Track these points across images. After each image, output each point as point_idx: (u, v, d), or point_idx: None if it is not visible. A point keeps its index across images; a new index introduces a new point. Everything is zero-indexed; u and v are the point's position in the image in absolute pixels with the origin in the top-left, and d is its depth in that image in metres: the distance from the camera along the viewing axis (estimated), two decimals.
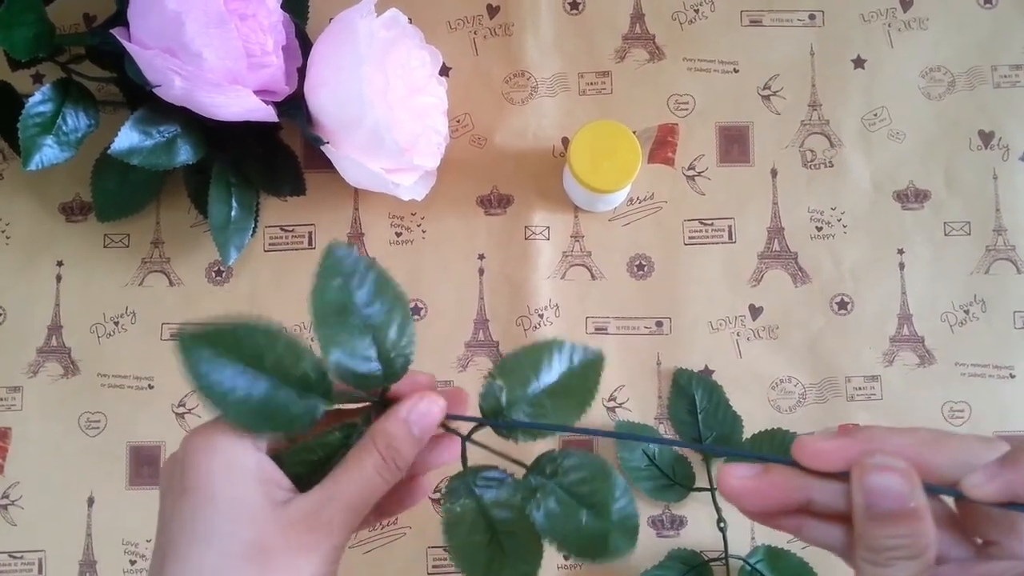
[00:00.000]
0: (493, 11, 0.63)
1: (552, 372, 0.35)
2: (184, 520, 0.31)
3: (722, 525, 0.57)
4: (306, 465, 0.34)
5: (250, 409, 0.32)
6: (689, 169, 0.62)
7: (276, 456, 0.33)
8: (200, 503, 0.31)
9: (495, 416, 0.34)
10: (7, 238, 0.61)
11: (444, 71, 0.62)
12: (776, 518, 0.30)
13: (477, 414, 0.35)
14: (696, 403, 0.58)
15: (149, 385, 0.60)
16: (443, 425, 0.35)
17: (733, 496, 0.30)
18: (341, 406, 0.34)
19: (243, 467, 0.31)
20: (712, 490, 0.58)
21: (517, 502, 0.34)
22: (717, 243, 0.61)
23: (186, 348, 0.31)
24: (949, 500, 0.30)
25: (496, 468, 0.35)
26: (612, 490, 0.33)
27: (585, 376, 0.35)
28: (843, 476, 0.28)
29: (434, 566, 0.58)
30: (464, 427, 0.36)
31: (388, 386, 0.35)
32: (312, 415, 0.33)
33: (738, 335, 0.60)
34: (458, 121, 0.62)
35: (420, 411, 0.33)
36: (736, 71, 0.63)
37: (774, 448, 0.58)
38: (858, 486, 0.27)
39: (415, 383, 0.35)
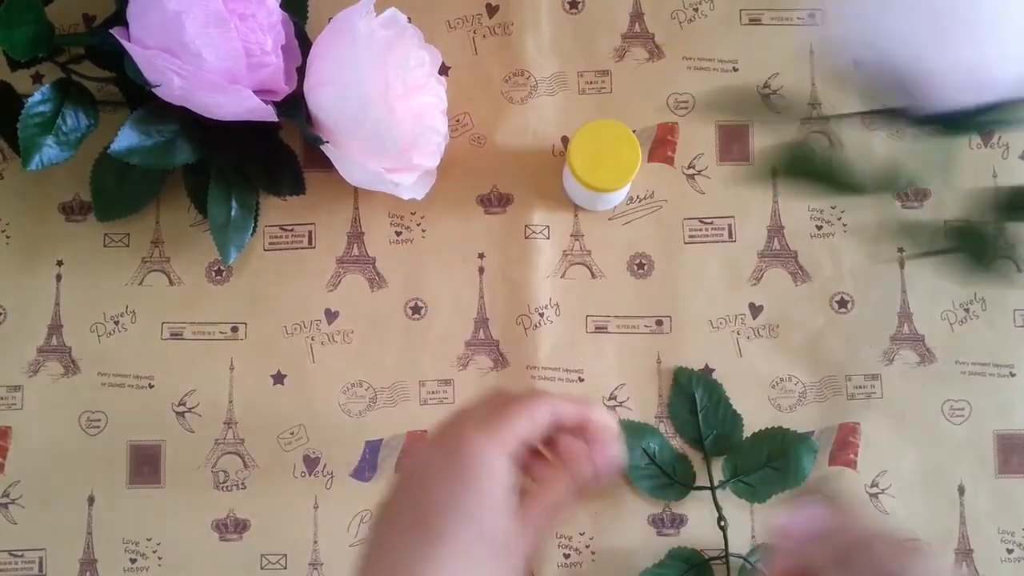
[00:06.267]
0: (492, 10, 0.63)
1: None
2: (449, 503, 0.36)
3: (722, 524, 0.57)
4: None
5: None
6: (689, 168, 0.62)
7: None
8: (471, 495, 0.36)
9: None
10: (7, 238, 0.61)
11: (443, 70, 0.62)
12: None
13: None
14: (696, 402, 0.58)
15: (149, 384, 0.60)
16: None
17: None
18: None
19: (502, 472, 0.36)
20: (712, 488, 0.58)
21: None
22: (717, 242, 0.61)
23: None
24: None
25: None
26: None
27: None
28: None
29: None
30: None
31: None
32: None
33: (738, 334, 0.60)
34: (458, 120, 0.62)
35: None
36: (735, 70, 0.63)
37: (774, 448, 0.58)
38: None
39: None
